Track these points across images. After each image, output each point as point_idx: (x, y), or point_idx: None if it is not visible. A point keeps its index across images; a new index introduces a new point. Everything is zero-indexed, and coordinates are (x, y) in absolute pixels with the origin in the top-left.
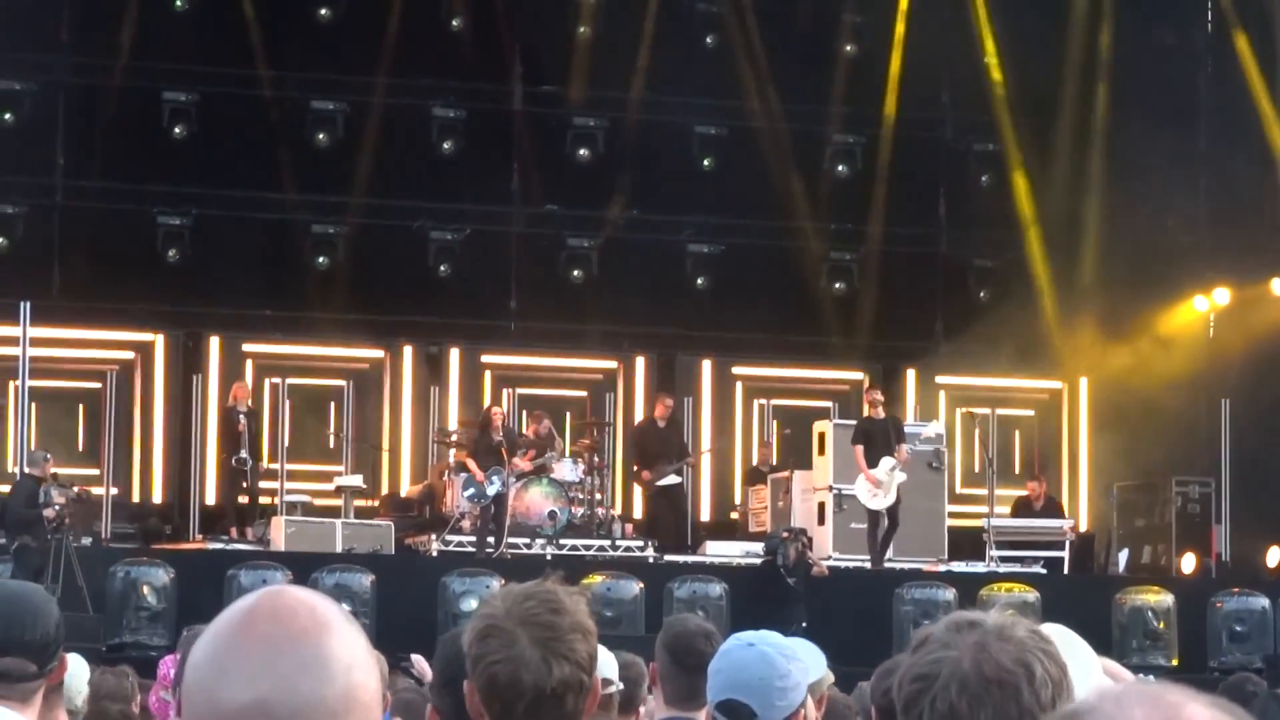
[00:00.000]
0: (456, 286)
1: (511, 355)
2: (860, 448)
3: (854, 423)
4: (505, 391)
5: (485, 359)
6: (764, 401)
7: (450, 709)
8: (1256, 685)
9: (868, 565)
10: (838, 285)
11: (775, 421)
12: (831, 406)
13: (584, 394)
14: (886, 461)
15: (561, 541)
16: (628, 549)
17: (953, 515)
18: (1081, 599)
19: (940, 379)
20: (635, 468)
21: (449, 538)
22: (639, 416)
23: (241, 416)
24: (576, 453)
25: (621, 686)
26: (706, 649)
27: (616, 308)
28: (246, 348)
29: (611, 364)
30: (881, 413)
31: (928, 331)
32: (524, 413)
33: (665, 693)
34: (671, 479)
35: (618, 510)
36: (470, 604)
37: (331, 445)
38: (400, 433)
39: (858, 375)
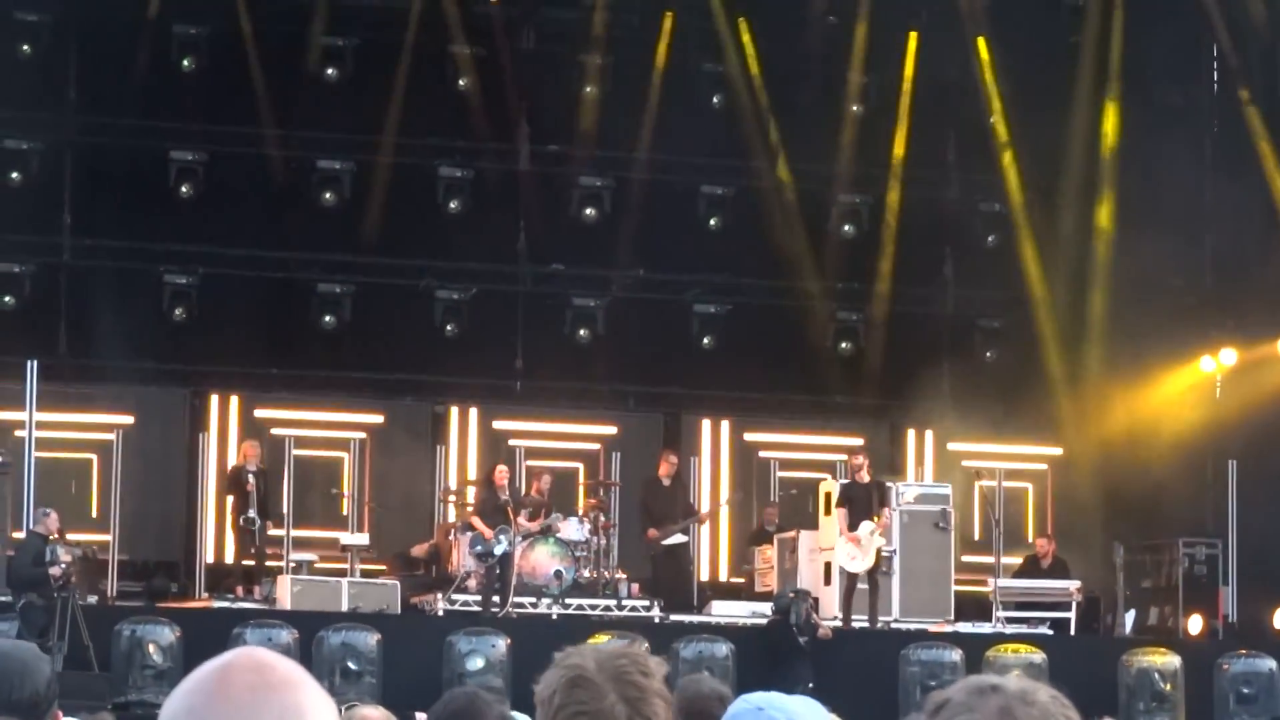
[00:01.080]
0: (462, 345)
1: (517, 414)
2: (844, 510)
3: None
4: (511, 450)
5: (491, 418)
6: (770, 460)
7: None
8: None
9: (874, 626)
10: (844, 345)
11: (780, 481)
12: (838, 466)
13: (592, 451)
14: (866, 525)
15: (567, 601)
16: (633, 609)
17: (960, 578)
18: (1088, 660)
19: (947, 439)
20: (644, 528)
21: (455, 597)
22: (645, 476)
23: (251, 476)
24: (583, 512)
25: None
26: (719, 712)
27: (622, 367)
28: (252, 406)
29: (617, 424)
30: (866, 476)
31: (934, 392)
32: (529, 471)
33: None
34: (678, 538)
35: (623, 571)
36: (477, 663)
37: (344, 509)
38: (407, 492)
39: (863, 436)
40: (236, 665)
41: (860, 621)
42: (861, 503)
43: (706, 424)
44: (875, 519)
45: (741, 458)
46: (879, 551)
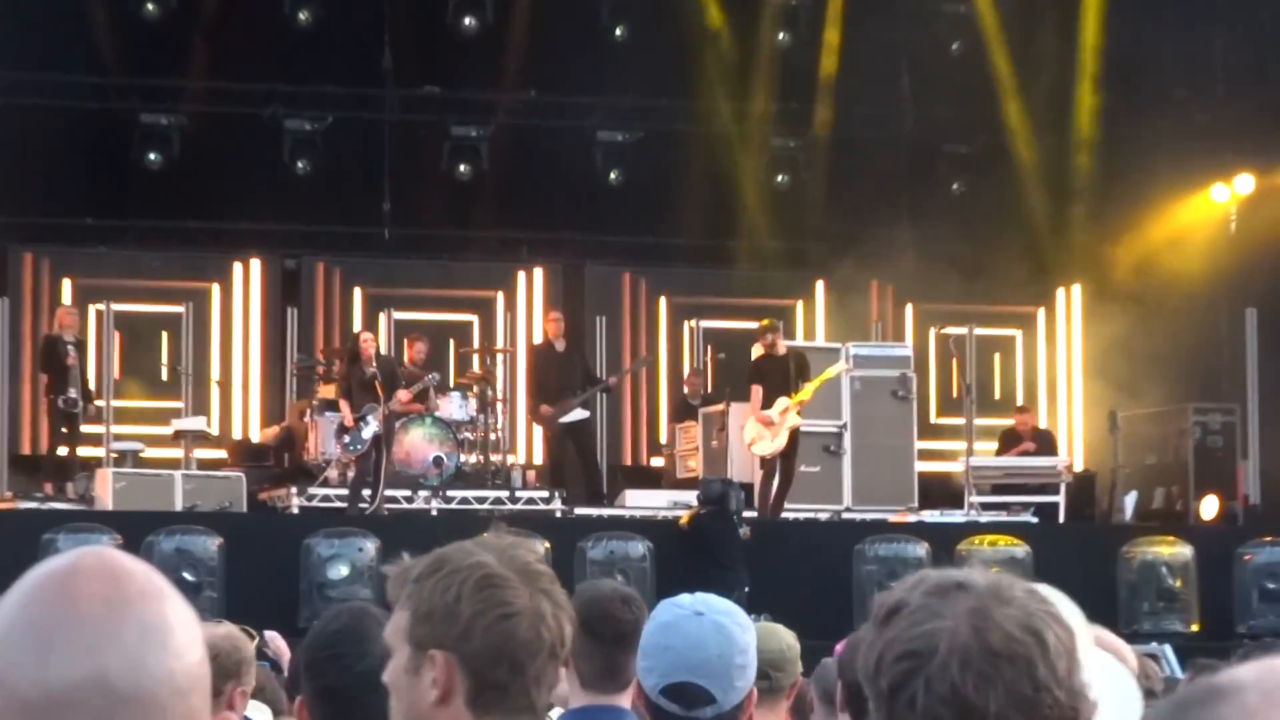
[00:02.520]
0: (318, 187)
1: (387, 268)
2: (758, 388)
3: (803, 344)
4: (380, 312)
5: (355, 273)
6: (693, 320)
7: (313, 694)
8: None
9: (820, 515)
10: (780, 178)
11: (707, 344)
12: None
13: (475, 315)
14: (781, 402)
15: (449, 494)
16: (530, 501)
17: (924, 455)
18: (1081, 553)
19: (907, 289)
20: (531, 402)
21: (313, 491)
22: (531, 343)
23: (69, 348)
24: (465, 385)
25: None
26: (626, 617)
27: (513, 210)
28: (64, 263)
29: (508, 278)
30: (781, 349)
31: (891, 233)
32: (399, 332)
33: (580, 673)
34: (577, 414)
35: (517, 455)
36: (341, 570)
37: (170, 381)
38: (251, 365)
39: (806, 287)
40: (84, 571)
41: (810, 511)
42: (777, 378)
43: (614, 275)
44: (792, 396)
45: (658, 315)
46: (793, 432)
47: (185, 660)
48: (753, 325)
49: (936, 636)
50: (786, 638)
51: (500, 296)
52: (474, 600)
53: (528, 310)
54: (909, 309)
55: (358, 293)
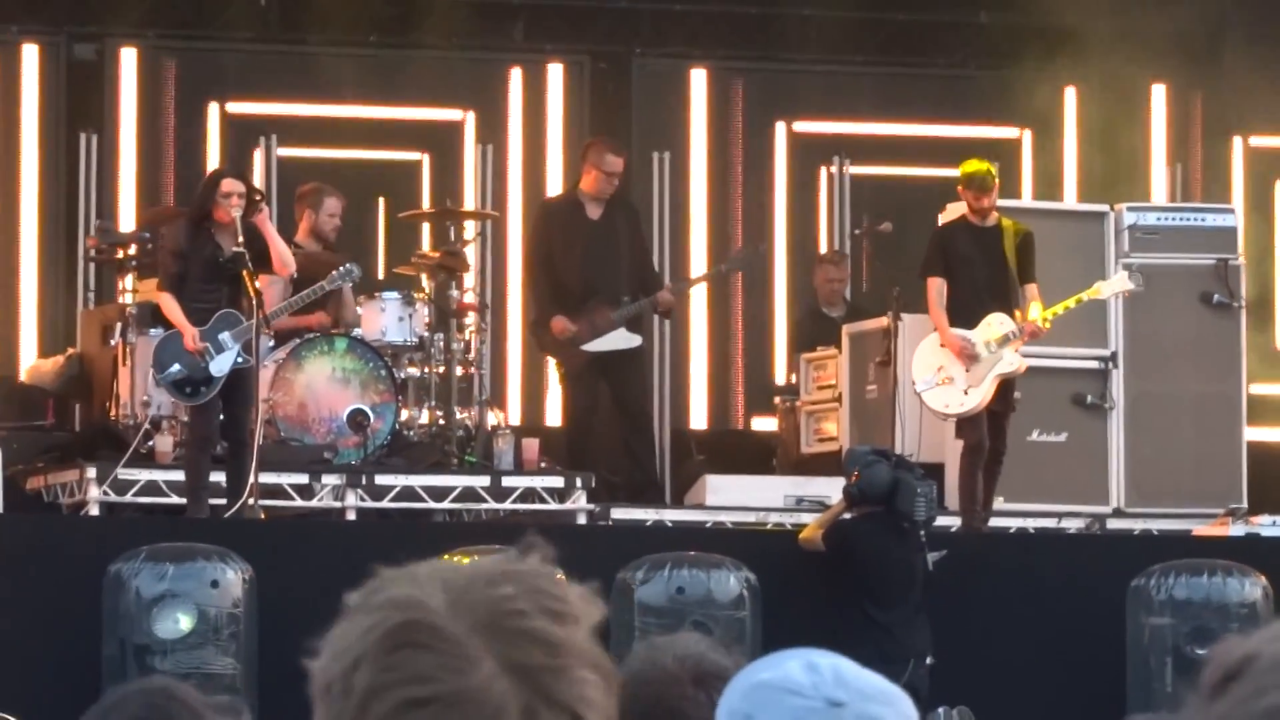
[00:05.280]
0: None
1: (262, 62)
2: (939, 282)
3: (1028, 204)
4: (245, 134)
5: (202, 71)
6: (834, 158)
7: None
8: None
9: (1067, 525)
10: None
11: (853, 199)
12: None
13: (427, 151)
14: (995, 322)
15: (380, 480)
16: (530, 495)
17: (1255, 416)
18: None
19: (1221, 111)
20: (535, 314)
21: (126, 475)
22: (545, 201)
23: None
24: (411, 280)
25: None
26: (698, 699)
27: None
28: None
29: (492, 81)
30: (993, 215)
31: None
32: (292, 188)
33: None
34: (619, 339)
35: (507, 411)
36: (179, 622)
37: None
38: (13, 238)
39: (1042, 94)
40: None
41: (1039, 518)
42: (981, 271)
43: (693, 78)
44: (1019, 313)
45: (773, 152)
46: (1003, 383)
47: None
48: (935, 177)
49: None
50: None
51: (473, 116)
52: (377, 664)
53: (527, 141)
54: (1237, 146)
55: (212, 108)
